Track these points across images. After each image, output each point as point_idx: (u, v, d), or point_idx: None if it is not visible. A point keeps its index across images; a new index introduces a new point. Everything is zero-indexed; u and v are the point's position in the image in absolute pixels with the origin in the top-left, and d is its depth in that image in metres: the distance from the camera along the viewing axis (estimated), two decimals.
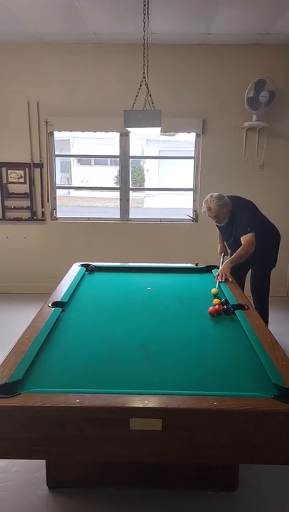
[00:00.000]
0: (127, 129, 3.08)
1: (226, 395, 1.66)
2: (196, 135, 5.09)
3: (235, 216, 3.54)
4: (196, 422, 1.58)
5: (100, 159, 16.64)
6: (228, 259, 3.60)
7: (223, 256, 3.92)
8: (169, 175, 13.69)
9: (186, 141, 5.55)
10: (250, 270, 3.90)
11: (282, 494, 2.22)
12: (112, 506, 2.11)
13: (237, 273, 3.58)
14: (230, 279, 3.29)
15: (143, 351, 2.12)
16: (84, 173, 16.80)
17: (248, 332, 2.28)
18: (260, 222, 3.59)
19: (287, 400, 1.60)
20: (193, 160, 5.22)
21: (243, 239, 3.39)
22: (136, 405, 1.58)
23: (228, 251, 3.88)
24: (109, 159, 15.09)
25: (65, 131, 5.08)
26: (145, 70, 3.22)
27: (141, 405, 1.58)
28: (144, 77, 3.18)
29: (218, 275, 3.30)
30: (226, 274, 3.31)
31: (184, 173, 5.58)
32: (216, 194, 3.48)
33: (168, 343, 2.22)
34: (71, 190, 15.67)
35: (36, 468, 2.31)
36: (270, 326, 3.64)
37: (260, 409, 1.55)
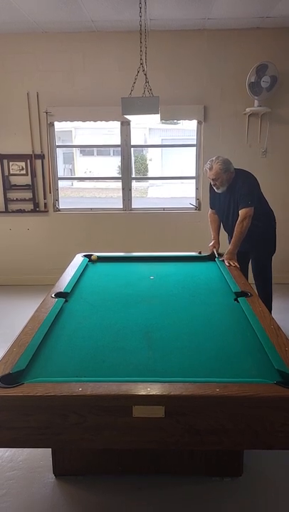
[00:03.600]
0: (126, 116, 3.06)
1: (228, 381, 1.66)
2: (198, 122, 5.05)
3: (236, 188, 3.47)
4: (198, 409, 1.58)
5: (102, 150, 16.59)
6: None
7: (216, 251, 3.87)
8: (172, 164, 13.63)
9: (188, 129, 5.51)
10: (251, 258, 3.89)
11: (286, 479, 2.23)
12: (117, 493, 2.13)
13: (239, 263, 3.56)
14: (237, 265, 3.37)
15: (146, 339, 2.12)
16: (87, 164, 16.76)
17: (251, 319, 2.27)
18: (259, 198, 3.56)
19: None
20: (195, 148, 5.18)
21: (242, 212, 3.38)
22: (139, 393, 1.58)
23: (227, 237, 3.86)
24: (112, 150, 15.03)
25: (66, 121, 5.06)
26: (143, 56, 3.18)
27: (143, 393, 1.58)
28: (141, 64, 3.14)
29: (228, 266, 3.37)
30: (234, 263, 3.38)
31: (187, 162, 5.55)
32: (223, 157, 3.44)
33: (171, 331, 2.22)
34: (74, 182, 15.63)
35: (42, 456, 2.33)
36: (274, 314, 3.63)
37: (262, 394, 1.55)
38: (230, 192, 3.52)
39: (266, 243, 3.70)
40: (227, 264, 3.39)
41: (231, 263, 3.40)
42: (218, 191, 3.56)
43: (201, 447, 1.67)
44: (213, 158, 3.44)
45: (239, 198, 3.43)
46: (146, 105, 2.88)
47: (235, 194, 3.47)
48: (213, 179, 3.46)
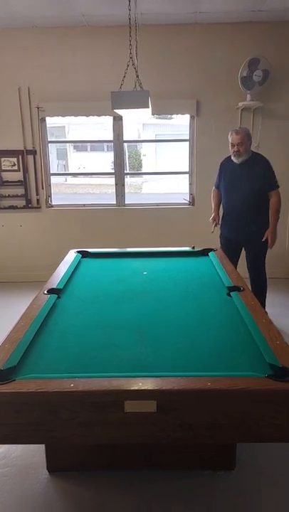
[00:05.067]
0: (116, 110, 3.04)
1: (220, 375, 1.66)
2: (191, 117, 5.04)
3: (256, 167, 3.66)
4: (190, 403, 1.58)
5: (96, 145, 16.53)
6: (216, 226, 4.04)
7: (215, 226, 4.04)
8: (166, 159, 13.60)
9: (182, 124, 5.49)
10: (246, 252, 3.91)
11: (279, 470, 2.24)
12: (110, 488, 2.13)
13: (231, 253, 3.60)
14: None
15: (138, 335, 2.11)
16: (80, 159, 16.70)
17: (244, 313, 2.27)
18: None
19: (281, 379, 1.60)
20: (188, 143, 5.17)
21: (274, 194, 3.69)
22: (130, 388, 1.58)
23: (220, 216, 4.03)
24: (105, 145, 14.98)
25: (57, 116, 5.03)
26: (133, 51, 3.17)
27: (135, 388, 1.58)
28: (130, 58, 3.12)
29: (271, 242, 3.69)
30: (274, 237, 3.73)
31: (181, 157, 5.54)
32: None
33: (164, 326, 2.22)
34: (68, 178, 15.57)
35: (36, 453, 2.33)
36: (267, 308, 3.65)
37: (253, 388, 1.55)
38: (248, 168, 3.68)
39: (262, 237, 3.72)
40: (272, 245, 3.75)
41: (270, 239, 3.71)
42: (238, 160, 3.69)
43: (194, 441, 1.67)
44: (237, 128, 3.75)
45: (266, 181, 3.65)
46: (136, 99, 2.86)
47: (257, 174, 3.65)
48: (238, 144, 3.63)
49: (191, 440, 1.64)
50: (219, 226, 4.04)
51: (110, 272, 3.22)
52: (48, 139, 5.19)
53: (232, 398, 1.57)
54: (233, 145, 3.67)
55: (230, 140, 3.70)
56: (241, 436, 1.67)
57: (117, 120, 5.02)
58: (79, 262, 3.43)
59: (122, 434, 1.62)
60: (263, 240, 3.70)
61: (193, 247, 3.74)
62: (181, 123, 5.75)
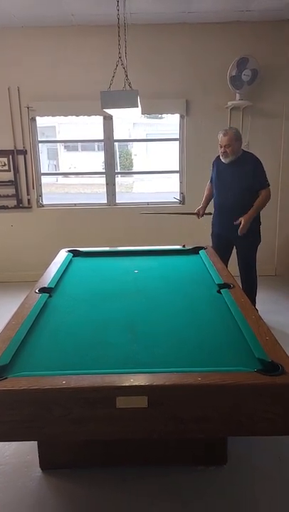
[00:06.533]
0: (105, 110, 3.05)
1: (210, 370, 1.69)
2: (180, 116, 5.06)
3: (246, 166, 3.69)
4: (181, 398, 1.60)
5: (87, 145, 16.46)
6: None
7: (196, 214, 4.13)
8: (157, 158, 13.60)
9: (173, 123, 5.52)
10: (237, 250, 3.94)
11: (270, 463, 2.27)
12: (103, 485, 2.15)
13: (221, 251, 3.63)
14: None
15: (130, 333, 2.13)
16: (71, 159, 16.63)
17: (233, 310, 2.30)
18: None
19: (269, 373, 1.63)
20: (178, 142, 5.19)
21: (265, 192, 3.70)
22: (122, 384, 1.60)
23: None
24: (96, 145, 14.94)
25: (48, 116, 5.02)
26: (122, 50, 3.18)
27: (127, 384, 1.60)
28: (119, 58, 3.14)
29: (242, 227, 3.61)
30: (245, 227, 3.64)
31: (172, 156, 5.56)
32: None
33: (155, 324, 2.24)
34: (59, 178, 15.50)
35: (30, 451, 2.33)
36: (257, 305, 3.69)
37: (243, 382, 1.58)
38: (237, 167, 3.70)
39: (252, 234, 3.76)
40: (244, 231, 3.64)
41: (242, 224, 3.62)
42: (226, 160, 3.72)
43: (185, 436, 1.70)
44: (227, 128, 3.74)
45: (257, 180, 3.67)
46: (125, 99, 2.88)
47: (247, 173, 3.68)
48: (225, 145, 3.65)
49: (183, 435, 1.67)
50: (199, 217, 4.12)
51: (102, 271, 3.24)
52: (39, 139, 5.19)
53: (222, 393, 1.59)
54: (220, 146, 3.70)
55: (219, 140, 3.73)
56: (232, 430, 1.70)
57: (108, 120, 5.03)
58: (70, 261, 3.44)
59: (114, 430, 1.63)
60: (236, 223, 3.68)
61: (183, 246, 3.76)
62: (171, 122, 5.77)
